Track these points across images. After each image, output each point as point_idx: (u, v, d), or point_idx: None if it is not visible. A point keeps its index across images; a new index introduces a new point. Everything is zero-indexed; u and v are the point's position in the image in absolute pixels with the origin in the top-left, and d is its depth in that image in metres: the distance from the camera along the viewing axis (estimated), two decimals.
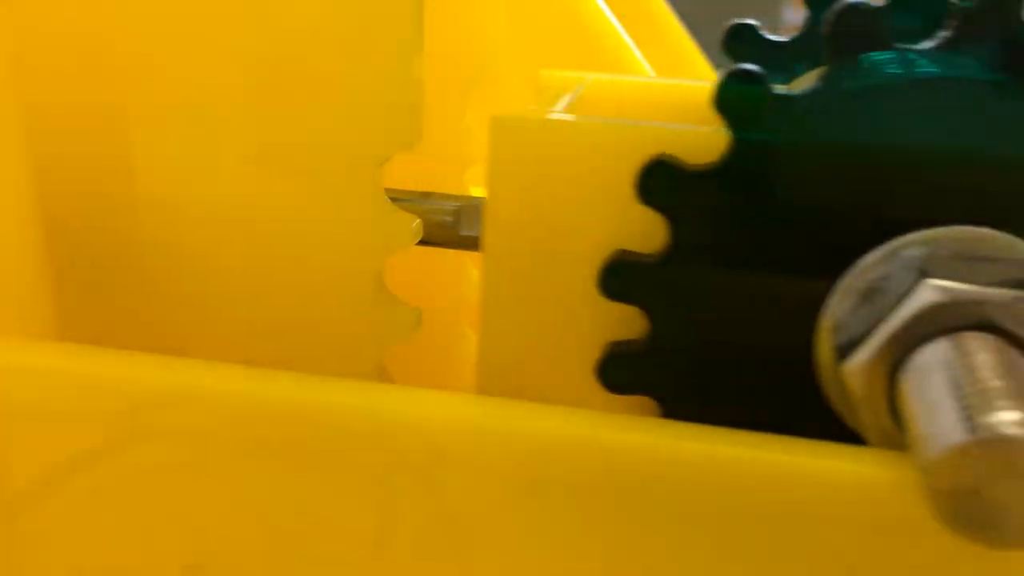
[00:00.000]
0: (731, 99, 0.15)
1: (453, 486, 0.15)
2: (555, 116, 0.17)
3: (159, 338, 0.19)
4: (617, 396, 0.17)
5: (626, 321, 0.17)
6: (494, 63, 0.22)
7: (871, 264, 0.15)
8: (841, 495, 0.14)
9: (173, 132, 0.18)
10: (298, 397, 0.16)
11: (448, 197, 0.19)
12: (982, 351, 0.13)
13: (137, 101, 0.18)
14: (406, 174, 0.19)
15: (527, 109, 0.18)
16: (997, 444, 0.12)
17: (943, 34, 0.15)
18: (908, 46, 0.15)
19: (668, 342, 0.16)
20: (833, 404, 0.16)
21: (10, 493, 0.16)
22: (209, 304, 0.19)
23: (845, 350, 0.15)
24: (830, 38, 0.15)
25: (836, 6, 0.15)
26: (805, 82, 0.16)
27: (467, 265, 0.22)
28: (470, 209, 0.19)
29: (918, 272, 0.14)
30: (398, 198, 0.18)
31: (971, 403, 0.12)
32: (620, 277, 0.16)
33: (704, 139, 0.16)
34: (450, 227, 0.19)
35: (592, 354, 0.17)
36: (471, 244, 0.19)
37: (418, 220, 0.18)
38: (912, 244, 0.15)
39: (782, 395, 0.16)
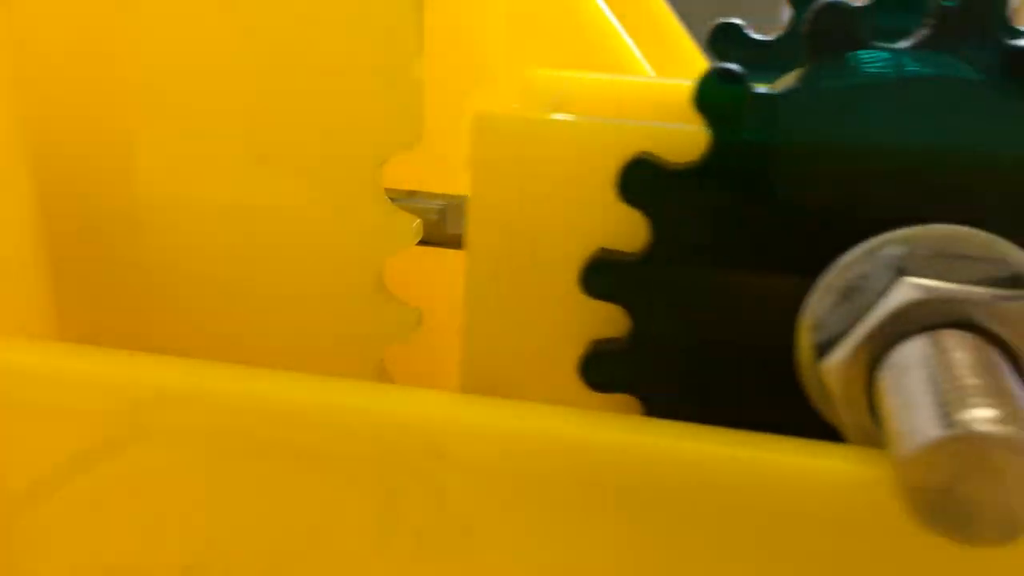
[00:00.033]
0: (710, 98, 0.15)
1: (453, 486, 0.15)
2: (537, 115, 0.17)
3: (159, 338, 0.19)
4: (600, 394, 0.17)
5: (609, 320, 0.17)
6: (494, 63, 0.22)
7: (850, 262, 0.15)
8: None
9: (173, 132, 0.18)
10: (298, 397, 0.16)
11: (434, 196, 0.19)
12: (959, 349, 0.13)
13: (137, 101, 0.18)
14: (406, 174, 0.19)
15: (510, 107, 0.18)
16: (971, 440, 0.12)
17: (922, 32, 0.15)
18: (887, 45, 0.15)
19: (650, 340, 0.16)
20: (814, 402, 0.16)
21: (10, 493, 0.16)
22: (209, 304, 0.19)
23: (824, 348, 0.15)
24: (809, 37, 0.15)
25: (815, 5, 0.15)
26: (786, 81, 0.16)
27: None
28: (455, 208, 0.19)
29: (896, 270, 0.15)
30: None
31: (947, 400, 0.12)
32: (602, 276, 0.16)
33: (685, 138, 0.16)
34: (437, 225, 0.19)
35: (575, 353, 0.17)
36: (457, 242, 0.19)
37: (418, 220, 0.18)
38: (891, 242, 0.15)
39: (764, 393, 0.16)
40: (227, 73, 0.17)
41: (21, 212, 0.18)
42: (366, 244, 0.18)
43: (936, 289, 0.14)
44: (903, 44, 0.16)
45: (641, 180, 0.16)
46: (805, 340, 0.15)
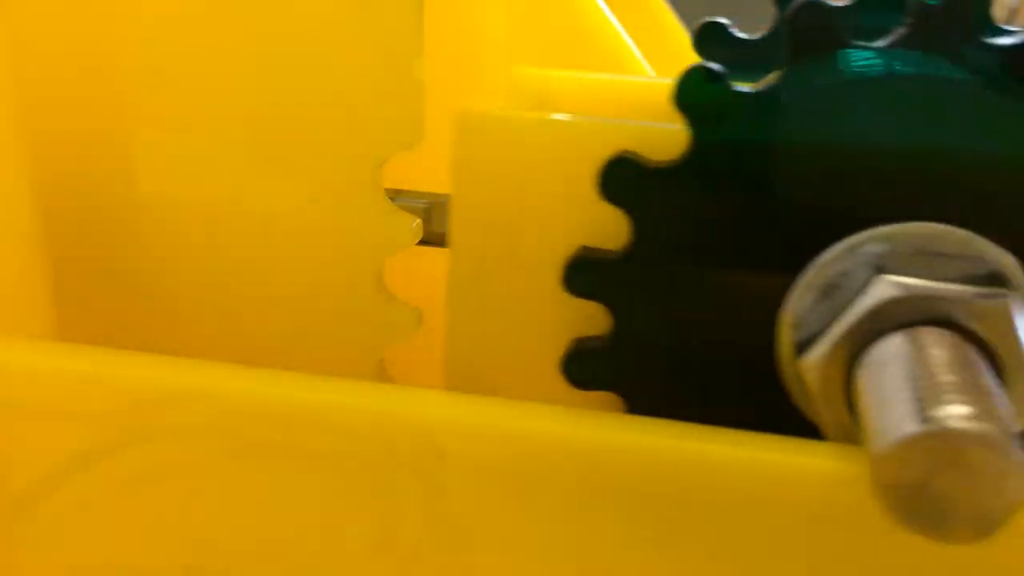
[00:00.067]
0: (691, 97, 0.15)
1: (453, 486, 0.15)
2: (520, 113, 0.17)
3: (159, 338, 0.19)
4: (582, 392, 0.17)
5: (591, 318, 0.17)
6: (494, 63, 0.22)
7: (830, 260, 0.15)
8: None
9: (173, 132, 0.18)
10: (298, 397, 0.16)
11: (420, 194, 0.19)
12: (937, 346, 0.13)
13: (137, 101, 0.18)
14: (406, 174, 0.19)
15: (493, 105, 0.18)
16: (945, 437, 0.12)
17: (902, 31, 0.15)
18: (868, 44, 0.15)
19: (631, 338, 0.16)
20: (795, 400, 0.16)
21: (10, 493, 0.16)
22: (209, 304, 0.19)
23: (804, 346, 0.15)
24: (788, 35, 0.15)
25: (794, 3, 0.15)
26: (767, 80, 0.16)
27: None
28: (440, 206, 0.19)
29: (875, 268, 0.15)
30: None
31: (922, 397, 0.12)
32: (584, 274, 0.16)
33: (667, 137, 0.16)
34: (423, 224, 0.19)
35: (557, 350, 0.17)
36: (442, 240, 0.19)
37: (418, 220, 0.18)
38: (871, 240, 0.15)
39: (746, 391, 0.16)
40: (227, 73, 0.17)
41: (21, 212, 0.18)
42: (366, 244, 0.18)
43: (914, 287, 0.14)
44: (882, 42, 0.16)
45: (622, 179, 0.16)
46: (786, 338, 0.16)
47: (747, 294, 0.16)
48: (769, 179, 0.15)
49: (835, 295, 0.15)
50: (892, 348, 0.14)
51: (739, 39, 0.20)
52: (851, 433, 0.15)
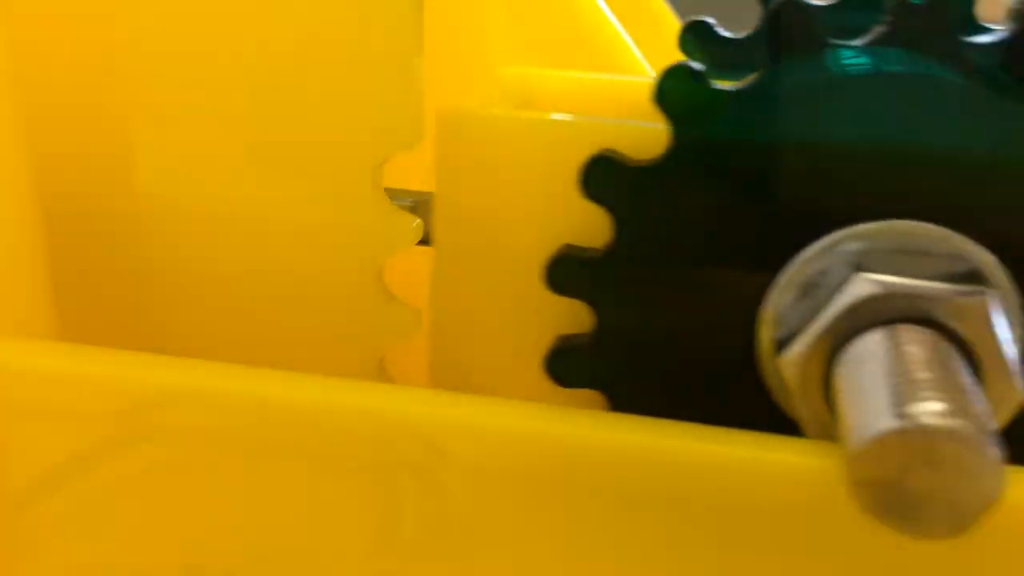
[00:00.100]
0: (671, 95, 0.15)
1: (453, 486, 0.15)
2: (501, 111, 0.17)
3: (159, 338, 0.19)
4: (564, 390, 0.17)
5: (574, 315, 0.17)
6: (494, 63, 0.22)
7: (810, 258, 0.15)
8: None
9: (173, 132, 0.18)
10: (298, 397, 0.16)
11: (406, 193, 0.19)
12: (914, 343, 0.13)
13: (137, 101, 0.18)
14: (405, 174, 0.19)
15: (475, 104, 0.18)
16: (920, 433, 0.12)
17: (882, 29, 0.15)
18: (848, 42, 0.15)
19: (614, 336, 0.17)
20: (775, 397, 0.16)
21: (10, 493, 0.16)
22: (209, 304, 0.19)
23: (784, 343, 0.15)
24: (768, 34, 0.15)
25: (775, 2, 0.15)
26: (749, 79, 0.16)
27: None
28: (424, 204, 0.19)
29: (855, 266, 0.15)
30: None
31: (898, 393, 0.12)
32: (566, 272, 0.16)
33: (648, 135, 0.16)
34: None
35: (540, 348, 0.17)
36: (426, 239, 0.19)
37: (418, 220, 0.18)
38: (850, 238, 0.15)
39: (727, 388, 0.16)
40: (227, 73, 0.17)
41: (21, 212, 0.18)
42: (366, 244, 0.18)
43: (892, 284, 0.14)
44: (862, 40, 0.16)
45: (603, 177, 0.16)
46: (766, 335, 0.16)
47: (728, 292, 0.16)
48: (750, 177, 0.16)
49: (814, 293, 0.15)
50: (870, 345, 0.14)
51: (724, 38, 0.21)
52: (830, 430, 0.15)
